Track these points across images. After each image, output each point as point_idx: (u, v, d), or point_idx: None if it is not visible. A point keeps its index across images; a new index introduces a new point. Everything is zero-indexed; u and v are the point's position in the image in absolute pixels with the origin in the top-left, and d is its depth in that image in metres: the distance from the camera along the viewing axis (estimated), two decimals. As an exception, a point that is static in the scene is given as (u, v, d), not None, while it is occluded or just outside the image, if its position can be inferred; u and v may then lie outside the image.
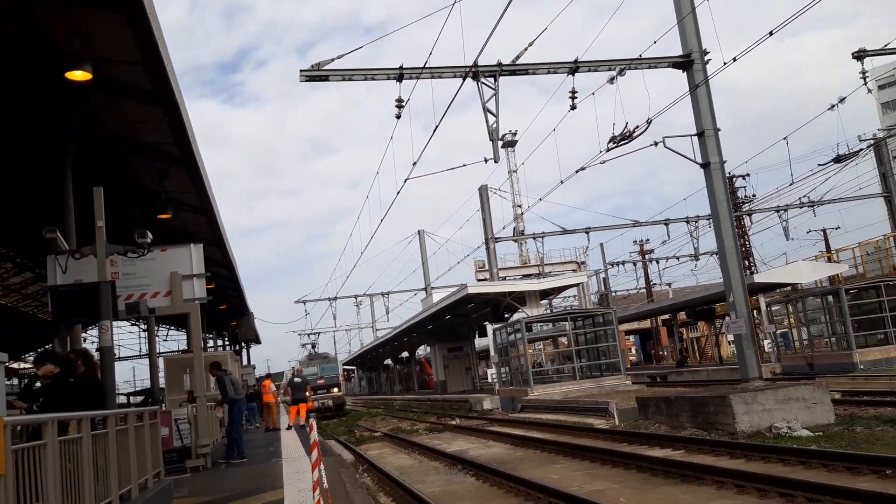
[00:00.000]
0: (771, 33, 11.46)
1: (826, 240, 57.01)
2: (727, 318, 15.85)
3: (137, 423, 8.05)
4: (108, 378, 8.70)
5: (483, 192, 36.54)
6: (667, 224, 37.14)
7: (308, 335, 50.83)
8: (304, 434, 20.33)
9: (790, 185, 28.00)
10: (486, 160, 15.36)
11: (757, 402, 13.98)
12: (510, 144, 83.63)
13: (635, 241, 64.78)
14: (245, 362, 43.45)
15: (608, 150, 14.74)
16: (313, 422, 6.21)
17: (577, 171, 16.08)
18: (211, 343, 38.02)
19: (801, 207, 37.49)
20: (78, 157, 12.94)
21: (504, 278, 40.85)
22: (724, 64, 12.55)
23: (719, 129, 15.88)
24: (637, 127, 14.17)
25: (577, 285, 39.15)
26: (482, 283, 34.78)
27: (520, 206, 70.88)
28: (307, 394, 23.63)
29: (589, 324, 28.26)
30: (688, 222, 37.61)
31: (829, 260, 40.42)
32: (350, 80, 15.10)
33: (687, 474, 10.33)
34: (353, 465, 15.93)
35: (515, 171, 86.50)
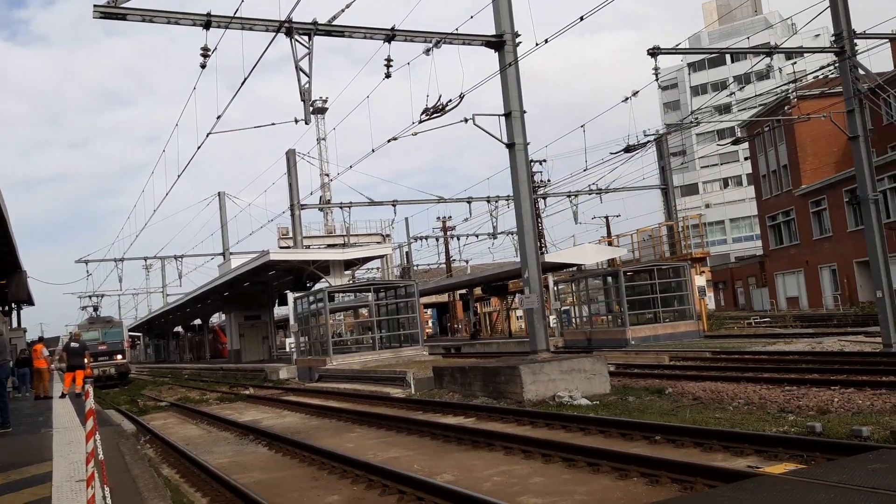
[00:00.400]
0: (582, 18, 12.03)
1: (608, 225, 61.84)
2: (521, 294, 16.59)
3: None
4: None
5: (291, 156, 35.61)
6: (469, 202, 38.36)
7: (90, 297, 46.68)
8: (80, 403, 18.76)
9: (584, 171, 29.86)
10: (296, 121, 14.87)
11: (543, 373, 14.81)
12: (320, 111, 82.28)
13: (439, 218, 66.46)
14: (15, 325, 39.40)
15: (420, 121, 14.80)
16: (90, 388, 5.62)
17: (388, 141, 16.02)
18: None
19: (590, 194, 40.24)
20: None
21: (308, 247, 40.16)
22: (536, 45, 13.02)
23: (525, 112, 16.47)
24: (450, 101, 14.34)
25: (381, 257, 39.44)
26: (285, 250, 33.97)
27: (327, 175, 70.00)
28: (85, 360, 21.80)
29: (391, 295, 28.55)
30: (489, 202, 39.09)
31: (610, 244, 43.69)
32: (151, 21, 13.92)
33: (478, 441, 10.70)
34: (134, 435, 14.93)
35: (324, 139, 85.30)
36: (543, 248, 55.00)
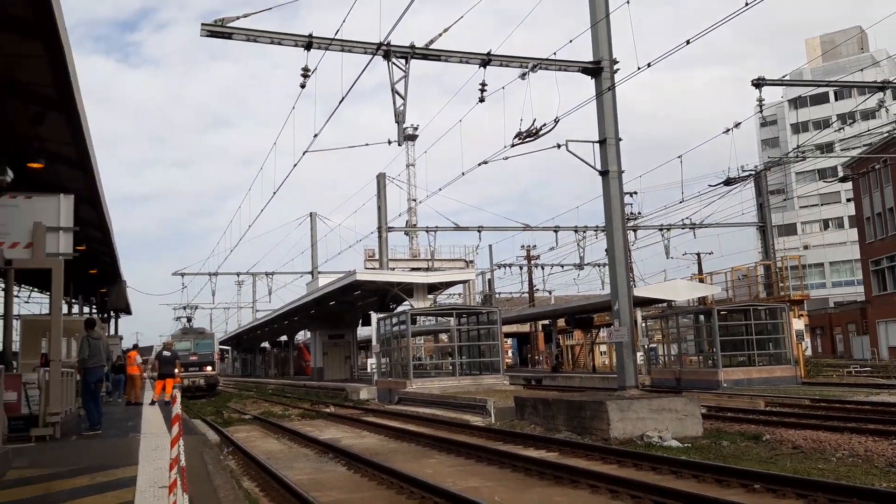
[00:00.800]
0: (688, 42, 11.64)
1: (699, 262, 60.02)
2: (608, 328, 16.07)
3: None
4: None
5: (381, 179, 36.06)
6: (556, 231, 37.87)
7: (184, 308, 47.77)
8: (168, 411, 19.24)
9: (680, 202, 29.04)
10: (389, 142, 14.94)
11: (632, 410, 14.22)
12: (410, 138, 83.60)
13: (523, 246, 66.04)
14: (112, 332, 41.12)
15: (513, 145, 14.63)
16: (177, 393, 5.60)
17: (479, 164, 15.92)
18: (76, 309, 35.66)
19: (682, 228, 39.08)
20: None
21: (393, 269, 40.47)
22: (638, 68, 12.67)
23: (620, 139, 16.08)
24: (544, 125, 14.12)
25: (465, 282, 39.31)
26: (371, 270, 34.28)
27: (414, 200, 70.89)
28: (176, 370, 22.41)
29: (473, 321, 28.32)
30: (576, 231, 38.48)
31: (701, 281, 42.30)
32: (255, 41, 14.29)
33: (562, 476, 10.28)
34: (217, 446, 15.11)
35: (413, 165, 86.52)
36: (632, 282, 53.80)
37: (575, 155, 15.79)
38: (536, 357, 65.05)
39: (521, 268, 58.10)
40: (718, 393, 25.14)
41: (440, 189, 25.03)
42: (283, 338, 64.80)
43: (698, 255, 60.77)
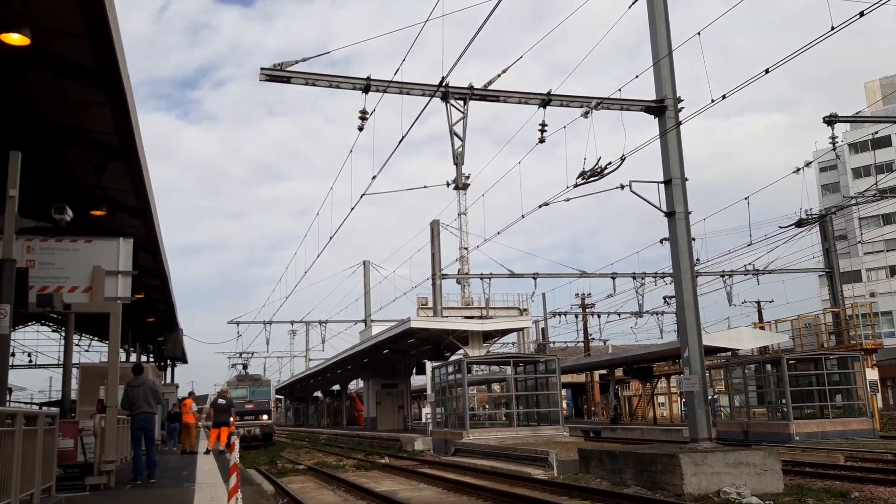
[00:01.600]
0: (767, 71, 11.12)
1: (759, 310, 58.18)
2: (682, 375, 15.28)
3: (28, 427, 6.90)
4: (0, 371, 7.53)
5: (434, 226, 35.90)
6: (613, 278, 37.02)
7: (240, 354, 47.21)
8: (223, 460, 18.92)
9: (748, 245, 28.06)
10: (448, 184, 14.67)
11: (706, 464, 13.36)
12: (462, 188, 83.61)
13: (577, 294, 64.97)
14: (168, 381, 41.42)
15: (576, 185, 14.19)
16: (235, 440, 5.22)
17: (540, 206, 15.52)
18: (134, 357, 36.00)
19: (745, 274, 37.84)
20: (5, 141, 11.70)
21: (446, 317, 39.96)
22: (712, 101, 12.18)
23: (687, 179, 15.53)
24: (609, 163, 13.68)
25: (520, 330, 38.54)
26: (425, 318, 33.88)
27: (466, 249, 70.58)
28: (231, 417, 22.17)
29: (531, 370, 27.57)
30: (634, 278, 37.54)
31: (762, 329, 40.79)
32: (314, 84, 14.29)
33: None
34: (273, 496, 14.66)
35: (465, 213, 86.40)
36: (690, 331, 52.21)
37: (639, 196, 15.28)
38: (592, 408, 63.38)
39: (576, 316, 57.02)
40: (791, 446, 23.80)
41: (498, 232, 24.73)
42: (336, 387, 64.56)
43: (758, 303, 58.97)
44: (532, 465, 18.47)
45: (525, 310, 58.97)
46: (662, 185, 15.56)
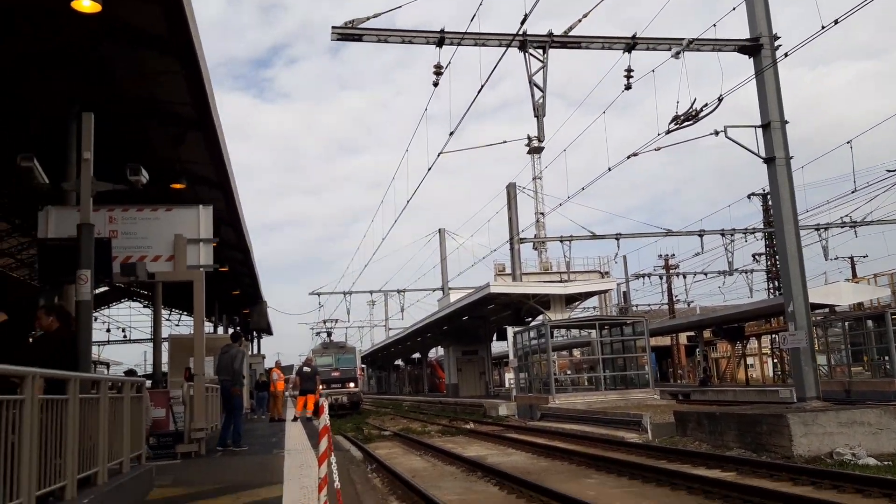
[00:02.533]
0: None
1: (853, 266, 55.36)
2: (786, 332, 14.32)
3: (115, 395, 6.73)
4: (84, 337, 7.40)
5: (511, 189, 35.15)
6: (701, 235, 35.48)
7: (324, 322, 46.07)
8: (311, 427, 18.99)
9: (852, 192, 26.36)
10: (528, 139, 13.96)
11: (817, 424, 12.48)
12: (536, 151, 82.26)
13: (660, 255, 63.13)
14: (255, 351, 42.27)
15: (668, 131, 13.30)
16: (325, 402, 4.82)
17: (628, 157, 14.67)
18: (221, 330, 36.77)
19: (842, 227, 35.75)
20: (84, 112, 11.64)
21: (525, 282, 39.31)
22: (822, 27, 11.06)
23: (787, 122, 14.40)
24: (705, 105, 12.74)
25: (604, 292, 37.58)
26: (505, 283, 33.29)
27: (542, 214, 69.52)
28: (317, 385, 22.25)
29: (617, 332, 26.76)
30: (723, 235, 35.94)
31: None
32: (385, 41, 13.77)
33: (752, 501, 8.85)
34: (362, 462, 14.53)
35: (540, 177, 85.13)
36: (782, 289, 50.09)
37: (736, 142, 14.28)
38: (679, 371, 61.90)
39: (660, 278, 55.50)
40: (899, 405, 22.43)
41: (583, 188, 23.81)
42: (417, 355, 64.94)
43: (851, 258, 56.11)
44: (625, 428, 17.83)
45: (606, 273, 57.84)
46: (760, 129, 14.48)
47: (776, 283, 50.77)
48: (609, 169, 15.76)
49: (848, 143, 21.31)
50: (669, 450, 14.15)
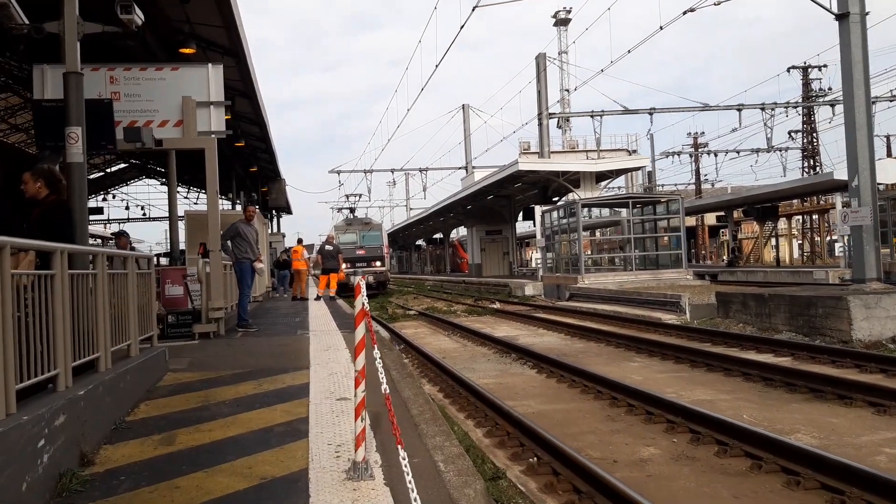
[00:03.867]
0: None
1: (888, 144, 53.24)
2: (843, 209, 13.20)
3: (117, 271, 5.90)
4: (78, 204, 6.50)
5: (540, 60, 33.24)
6: (739, 110, 33.70)
7: (346, 197, 42.96)
8: (335, 306, 18.46)
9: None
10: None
11: (880, 307, 11.60)
12: (563, 23, 78.51)
13: (689, 133, 61.12)
14: (275, 230, 41.75)
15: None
16: (360, 281, 3.89)
17: (684, 13, 13.11)
18: (238, 207, 36.09)
19: (892, 100, 33.72)
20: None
21: (554, 160, 37.96)
22: None
23: (864, -28, 12.72)
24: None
25: (637, 169, 36.13)
26: (534, 160, 31.98)
27: (567, 91, 66.99)
28: (341, 264, 21.57)
29: (650, 211, 25.74)
30: (763, 109, 34.10)
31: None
32: None
33: (819, 389, 8.06)
34: (389, 343, 13.94)
35: (566, 52, 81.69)
36: (819, 168, 48.33)
37: (804, -6, 12.68)
38: (703, 252, 61.19)
39: (690, 156, 53.71)
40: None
41: (612, 62, 22.03)
42: (439, 235, 64.53)
43: (887, 137, 53.90)
44: (661, 309, 17.11)
45: (634, 151, 56.10)
46: (833, -20, 12.85)
47: (811, 162, 49.03)
48: (661, 27, 14.22)
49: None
50: (714, 332, 13.40)
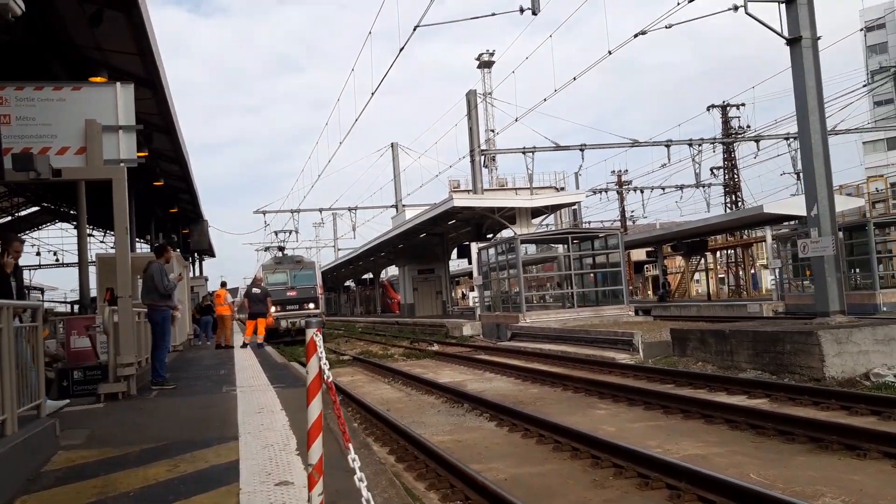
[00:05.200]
0: None
1: (799, 178, 54.77)
2: (807, 239, 12.68)
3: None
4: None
5: (471, 97, 32.72)
6: (668, 146, 33.84)
7: (276, 233, 38.92)
8: (264, 354, 16.97)
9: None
10: (521, 10, 11.68)
11: (852, 342, 10.98)
12: (486, 65, 79.29)
13: (613, 171, 61.92)
14: (197, 273, 39.63)
15: (679, 4, 11.17)
16: (315, 336, 2.74)
17: (635, 36, 12.48)
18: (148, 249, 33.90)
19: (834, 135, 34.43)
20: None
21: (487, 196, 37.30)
22: None
23: (814, -3, 12.40)
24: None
25: (573, 204, 35.76)
26: (469, 196, 31.17)
27: (493, 130, 67.21)
28: (269, 307, 20.09)
29: (587, 247, 25.16)
30: (690, 145, 34.36)
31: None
32: None
33: (823, 438, 7.19)
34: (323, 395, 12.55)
35: (490, 93, 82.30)
36: (740, 203, 49.30)
37: (756, 19, 12.27)
38: (630, 287, 61.58)
39: (617, 193, 54.15)
40: (881, 318, 21.49)
41: (545, 99, 21.62)
42: (369, 275, 63.09)
43: (798, 174, 55.63)
44: (612, 348, 16.28)
45: (562, 188, 56.30)
46: (783, 4, 12.49)
47: (733, 197, 50.01)
48: (609, 52, 13.57)
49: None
50: (675, 372, 12.59)
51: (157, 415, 7.51)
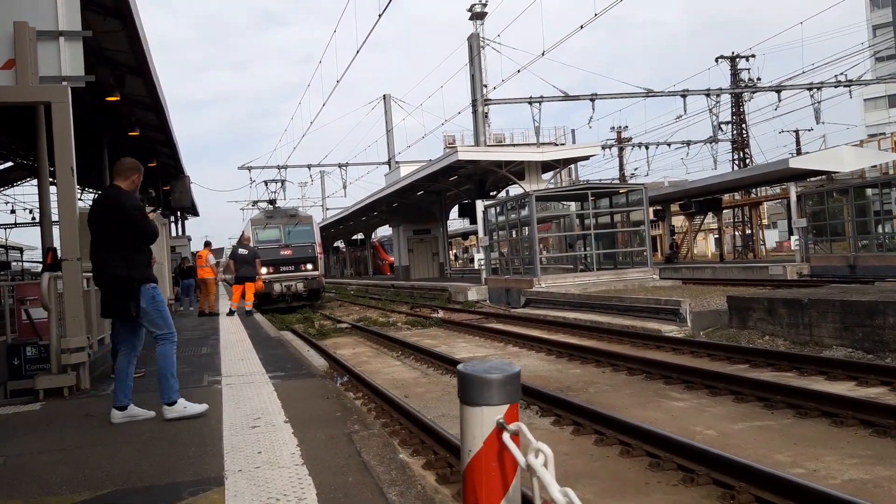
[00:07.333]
0: None
1: (797, 140, 53.22)
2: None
3: None
4: None
5: (473, 42, 30.47)
6: (684, 96, 31.66)
7: (266, 184, 34.17)
8: (253, 325, 14.90)
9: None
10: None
11: (976, 315, 9.01)
12: (479, 16, 76.09)
13: (612, 128, 59.87)
14: (179, 233, 37.23)
15: None
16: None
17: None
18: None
19: (836, 87, 32.36)
20: None
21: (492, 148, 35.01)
22: None
23: None
24: None
25: (588, 158, 33.38)
26: (475, 148, 28.80)
27: (485, 86, 64.54)
28: (260, 269, 17.97)
29: (604, 205, 23.09)
30: (708, 95, 32.17)
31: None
32: None
33: None
34: (327, 373, 10.42)
35: (484, 47, 79.21)
36: (749, 159, 47.23)
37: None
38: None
39: (619, 150, 52.03)
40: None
41: (543, 53, 19.19)
42: (360, 236, 60.90)
43: (797, 132, 53.84)
44: (654, 318, 14.27)
45: (561, 144, 54.01)
46: None
47: (741, 154, 47.95)
48: (595, 14, 11.36)
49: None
50: (746, 349, 10.58)
51: (109, 429, 5.35)
